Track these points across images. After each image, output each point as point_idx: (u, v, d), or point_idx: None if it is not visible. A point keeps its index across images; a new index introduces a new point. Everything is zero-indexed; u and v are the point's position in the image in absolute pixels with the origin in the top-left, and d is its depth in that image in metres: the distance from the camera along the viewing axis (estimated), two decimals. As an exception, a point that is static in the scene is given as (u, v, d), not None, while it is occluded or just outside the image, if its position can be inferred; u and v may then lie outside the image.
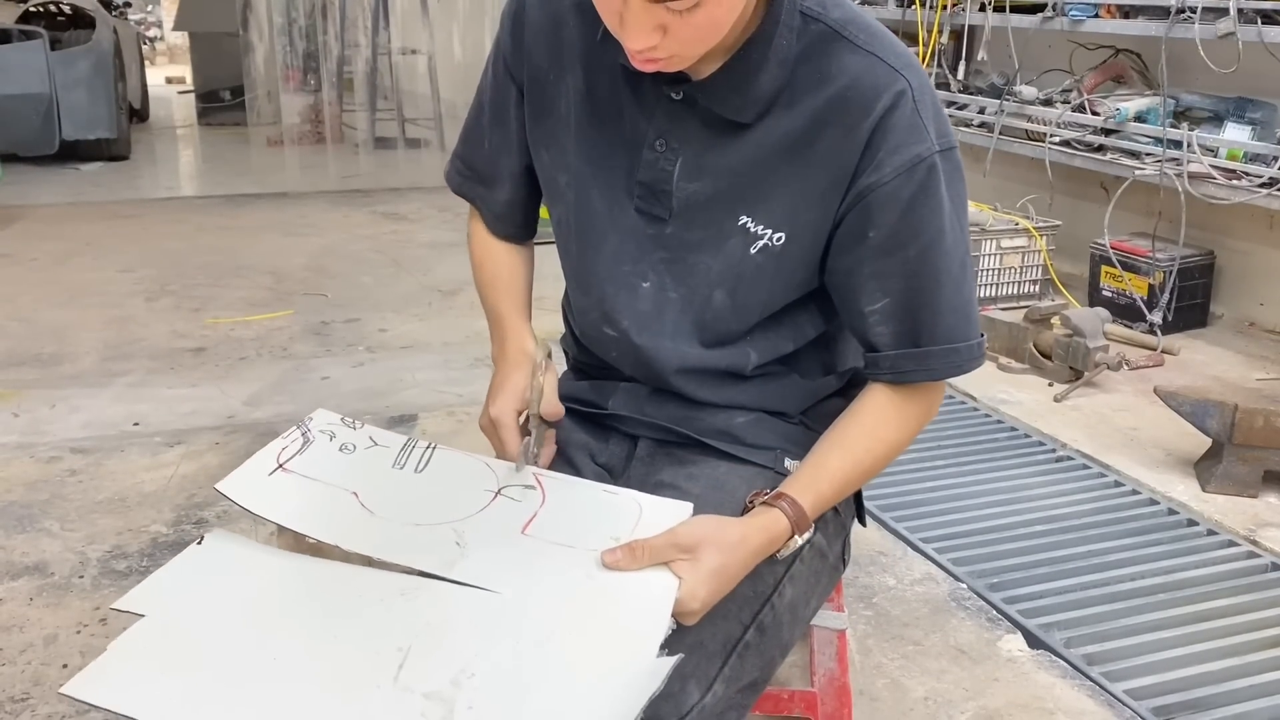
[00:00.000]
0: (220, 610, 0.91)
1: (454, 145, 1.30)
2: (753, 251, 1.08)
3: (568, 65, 1.13)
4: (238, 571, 0.95)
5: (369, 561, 0.95)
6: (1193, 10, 3.34)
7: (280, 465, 1.03)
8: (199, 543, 0.98)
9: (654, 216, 1.11)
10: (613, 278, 1.14)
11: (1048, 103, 4.02)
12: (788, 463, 1.16)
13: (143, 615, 0.90)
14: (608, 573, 0.95)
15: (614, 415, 1.21)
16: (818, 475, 1.07)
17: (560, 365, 1.32)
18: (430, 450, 1.10)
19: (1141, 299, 3.56)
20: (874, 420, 1.10)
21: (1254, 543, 2.28)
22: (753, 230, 1.08)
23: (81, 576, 2.09)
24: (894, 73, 1.02)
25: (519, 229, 1.29)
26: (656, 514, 1.03)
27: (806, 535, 1.05)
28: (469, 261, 1.32)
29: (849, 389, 1.23)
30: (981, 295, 3.77)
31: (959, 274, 1.06)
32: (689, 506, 1.04)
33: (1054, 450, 2.72)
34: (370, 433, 1.10)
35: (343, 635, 0.89)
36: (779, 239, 1.07)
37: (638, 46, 0.95)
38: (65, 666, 1.80)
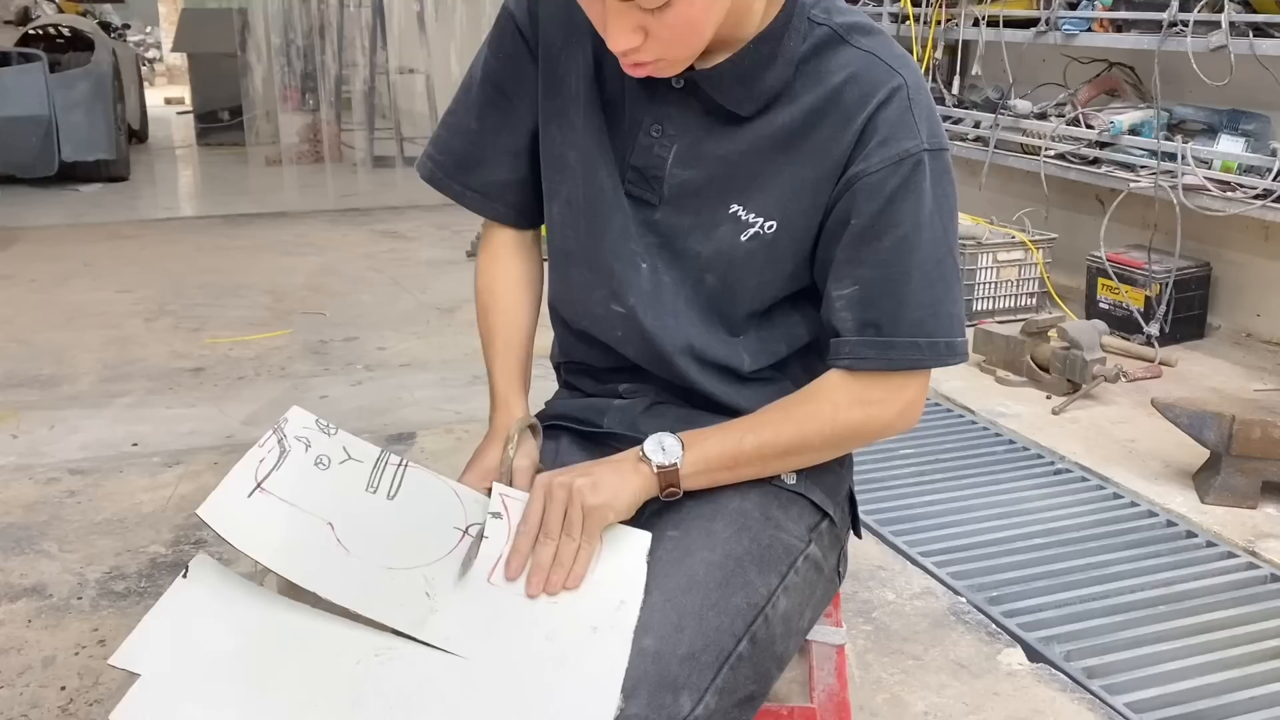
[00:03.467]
0: (207, 671, 0.94)
1: None
2: (743, 239, 1.11)
3: (578, 43, 1.14)
4: (221, 619, 0.97)
5: (346, 610, 0.99)
6: (1185, 24, 3.36)
7: (259, 484, 1.03)
8: (184, 575, 1.00)
9: (644, 201, 1.13)
10: (620, 255, 1.15)
11: (1042, 116, 4.03)
12: (783, 474, 1.16)
13: (138, 674, 0.92)
14: (563, 633, 0.98)
15: (608, 434, 1.22)
16: (719, 430, 1.11)
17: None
18: (402, 469, 1.11)
19: (1138, 311, 3.57)
20: (806, 404, 1.11)
21: (1253, 554, 2.28)
22: (743, 219, 1.10)
23: (80, 598, 2.09)
24: (891, 71, 1.06)
25: (511, 209, 1.26)
26: (615, 541, 1.06)
27: (663, 461, 1.07)
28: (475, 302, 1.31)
29: None
30: (978, 309, 3.78)
31: (933, 271, 1.07)
32: (647, 535, 1.06)
33: (1052, 463, 2.72)
34: (344, 441, 1.11)
35: (323, 706, 0.92)
36: (770, 227, 1.10)
37: (620, 48, 0.99)
38: (63, 688, 1.80)
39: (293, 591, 0.99)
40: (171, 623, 0.96)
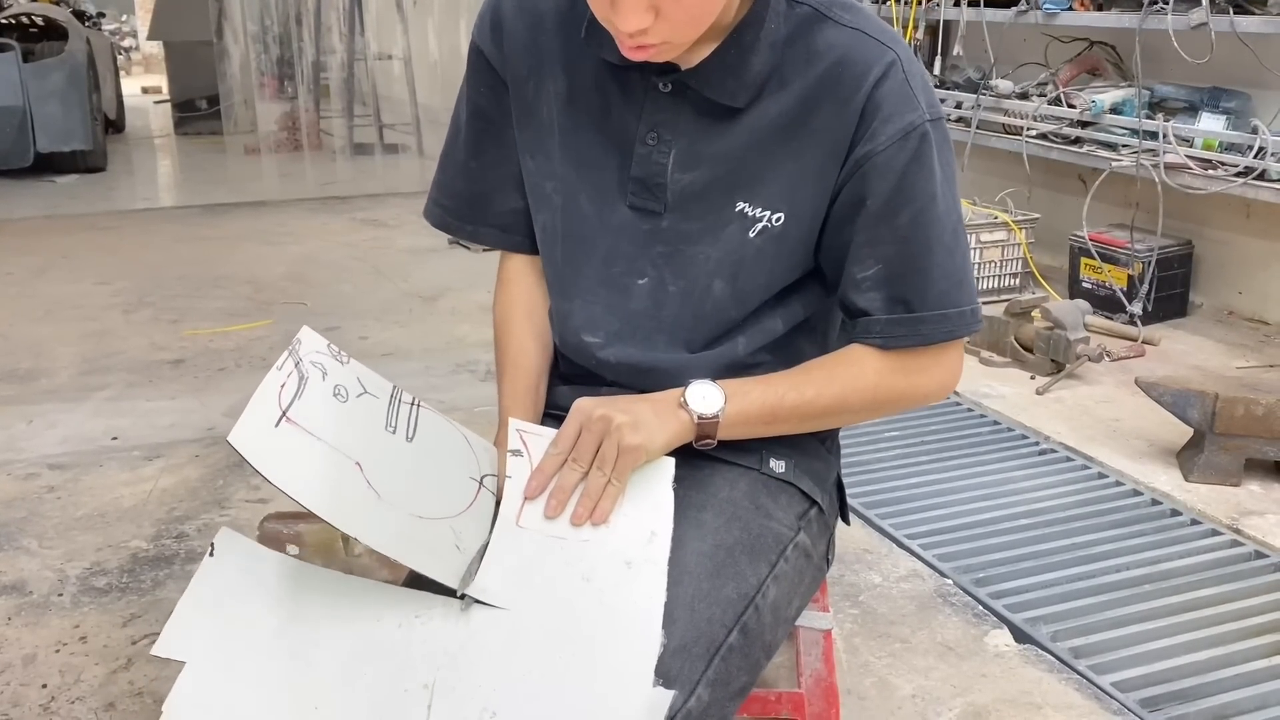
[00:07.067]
0: (253, 651, 0.93)
1: (431, 151, 1.29)
2: (752, 235, 1.09)
3: (547, 71, 1.13)
4: (256, 596, 0.97)
5: (383, 559, 0.97)
6: (1165, 2, 3.36)
7: (285, 414, 1.00)
8: (211, 554, 0.98)
9: (649, 211, 1.11)
10: (602, 281, 1.14)
11: (1024, 96, 4.03)
12: (772, 463, 1.16)
13: (183, 662, 0.91)
14: (599, 571, 0.97)
15: None
16: (760, 382, 1.10)
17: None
18: (415, 409, 1.11)
19: (1121, 290, 3.57)
20: (849, 367, 1.11)
21: (1237, 531, 2.29)
22: (750, 214, 1.09)
23: (61, 594, 2.06)
24: (881, 46, 1.05)
25: (529, 236, 1.24)
26: (640, 470, 1.04)
27: (704, 411, 1.06)
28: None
29: None
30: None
31: (950, 241, 1.08)
32: (671, 461, 1.06)
33: (1037, 443, 2.72)
34: (357, 372, 1.09)
35: (371, 673, 0.91)
36: (778, 219, 1.09)
37: (630, 28, 0.96)
38: (44, 686, 1.79)
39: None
40: (209, 606, 0.95)
